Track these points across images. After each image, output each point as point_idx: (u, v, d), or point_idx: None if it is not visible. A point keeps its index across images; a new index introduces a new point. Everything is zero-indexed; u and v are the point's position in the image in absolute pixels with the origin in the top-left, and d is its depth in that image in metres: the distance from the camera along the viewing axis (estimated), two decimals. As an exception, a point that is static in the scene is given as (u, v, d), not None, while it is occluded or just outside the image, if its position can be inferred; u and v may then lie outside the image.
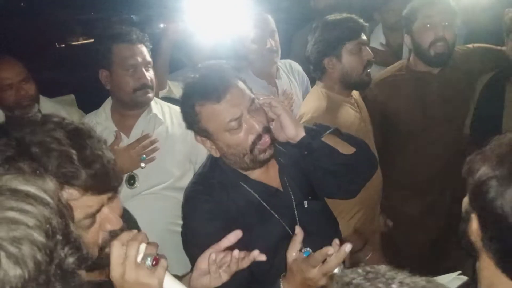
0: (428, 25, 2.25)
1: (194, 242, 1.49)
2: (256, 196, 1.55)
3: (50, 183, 0.76)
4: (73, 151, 0.95)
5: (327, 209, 1.74)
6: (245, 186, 1.56)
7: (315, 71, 2.14)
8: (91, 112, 2.22)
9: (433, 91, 2.36)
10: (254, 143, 1.49)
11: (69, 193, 0.95)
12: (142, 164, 1.99)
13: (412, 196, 2.47)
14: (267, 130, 1.51)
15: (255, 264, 1.31)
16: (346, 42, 2.05)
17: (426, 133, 2.36)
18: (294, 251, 1.33)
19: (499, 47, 2.32)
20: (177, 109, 2.17)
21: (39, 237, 0.65)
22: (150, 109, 2.09)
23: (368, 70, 2.12)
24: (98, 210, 1.02)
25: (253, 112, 1.48)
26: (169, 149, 2.05)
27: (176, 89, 2.63)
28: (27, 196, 0.69)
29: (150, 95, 2.04)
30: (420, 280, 0.65)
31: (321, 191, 1.69)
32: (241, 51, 2.47)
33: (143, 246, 1.02)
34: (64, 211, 0.74)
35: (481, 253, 0.96)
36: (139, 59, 1.99)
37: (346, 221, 2.11)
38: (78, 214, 0.96)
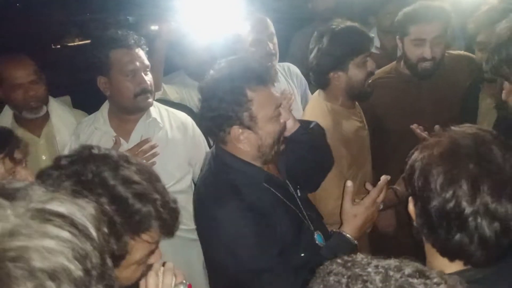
0: (418, 44, 2.24)
1: (256, 248, 1.45)
2: (274, 191, 1.56)
3: (97, 213, 0.70)
4: (158, 196, 1.02)
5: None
6: (264, 183, 1.55)
7: (318, 82, 2.11)
8: (88, 117, 2.20)
9: (420, 94, 2.37)
10: (281, 133, 1.54)
11: (150, 236, 1.02)
12: None
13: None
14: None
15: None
16: (355, 57, 2.02)
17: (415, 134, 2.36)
18: (349, 202, 1.57)
19: (472, 56, 2.32)
20: (175, 112, 2.17)
21: (77, 272, 0.59)
22: (149, 113, 2.08)
23: (370, 81, 2.10)
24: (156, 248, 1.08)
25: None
26: (170, 153, 2.04)
27: (171, 91, 2.61)
28: (71, 225, 0.62)
29: (151, 99, 2.03)
30: (394, 262, 0.70)
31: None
32: (240, 53, 2.45)
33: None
34: (105, 247, 0.69)
35: (424, 240, 1.10)
36: (138, 63, 1.97)
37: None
38: (141, 253, 1.03)
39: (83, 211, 0.66)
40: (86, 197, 0.84)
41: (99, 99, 2.14)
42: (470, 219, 0.97)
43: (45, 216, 0.61)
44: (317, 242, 1.62)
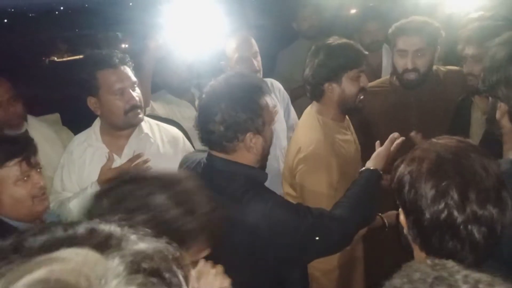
0: (402, 55, 2.38)
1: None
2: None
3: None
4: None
5: None
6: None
7: (313, 94, 2.17)
8: (80, 133, 2.22)
9: (408, 104, 2.47)
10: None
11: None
12: None
13: (395, 207, 2.54)
14: None
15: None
16: (349, 70, 2.10)
17: (404, 144, 2.44)
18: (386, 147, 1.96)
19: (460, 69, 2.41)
20: (166, 126, 2.22)
21: None
22: (140, 129, 2.11)
23: (361, 97, 2.16)
24: None
25: None
26: (162, 167, 2.03)
27: (158, 107, 2.66)
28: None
29: (141, 115, 2.06)
30: (486, 276, 0.70)
31: None
32: (226, 71, 2.53)
33: None
34: None
35: (412, 245, 1.16)
36: (125, 81, 2.00)
37: None
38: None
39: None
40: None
41: (88, 115, 2.16)
42: (462, 227, 1.04)
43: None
44: None
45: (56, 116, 2.90)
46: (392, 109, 2.49)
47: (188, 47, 2.43)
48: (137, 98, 2.02)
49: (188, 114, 2.63)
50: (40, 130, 2.48)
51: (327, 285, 2.10)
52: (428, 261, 0.75)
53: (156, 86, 2.75)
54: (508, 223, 1.06)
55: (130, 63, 2.08)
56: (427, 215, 1.07)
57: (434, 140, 1.19)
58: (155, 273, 0.52)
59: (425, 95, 2.44)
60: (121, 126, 2.06)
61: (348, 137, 2.23)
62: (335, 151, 2.09)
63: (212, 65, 2.46)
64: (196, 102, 2.87)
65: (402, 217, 1.17)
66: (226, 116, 1.54)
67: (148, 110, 2.55)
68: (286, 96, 2.79)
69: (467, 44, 2.17)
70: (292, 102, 2.88)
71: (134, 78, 2.05)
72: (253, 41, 2.50)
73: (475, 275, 0.70)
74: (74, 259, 0.50)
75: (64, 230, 0.55)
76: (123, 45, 5.82)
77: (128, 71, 2.04)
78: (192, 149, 2.20)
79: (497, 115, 1.51)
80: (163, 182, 1.07)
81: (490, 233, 1.05)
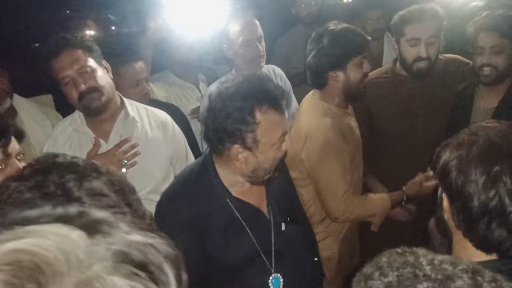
0: (414, 44, 2.32)
1: None
2: (236, 212, 1.52)
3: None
4: (127, 210, 0.92)
5: (306, 233, 1.78)
6: (228, 200, 1.52)
7: (317, 82, 2.13)
8: (65, 118, 2.14)
9: (416, 95, 2.44)
10: (280, 161, 1.52)
11: None
12: (124, 170, 1.92)
13: None
14: None
15: (222, 274, 1.44)
16: (353, 57, 2.06)
17: (410, 135, 2.43)
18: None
19: (468, 61, 2.40)
20: (154, 110, 2.13)
21: None
22: (127, 113, 2.02)
23: (364, 82, 2.14)
24: None
25: None
26: (150, 153, 2.00)
27: (157, 90, 2.61)
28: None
29: (103, 97, 1.90)
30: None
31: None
32: (229, 55, 2.48)
33: None
34: None
35: (453, 231, 1.14)
36: (71, 68, 1.85)
37: (336, 238, 2.18)
38: None
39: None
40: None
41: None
42: (511, 215, 1.03)
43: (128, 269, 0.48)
44: (270, 285, 1.53)
45: (48, 97, 2.83)
46: (398, 100, 2.45)
47: (189, 27, 2.36)
48: (83, 86, 1.87)
49: (192, 97, 2.58)
50: (29, 110, 2.44)
51: (330, 275, 2.09)
52: (398, 249, 0.74)
53: (160, 66, 2.70)
54: None
55: (88, 43, 1.93)
56: (475, 202, 1.04)
57: (482, 123, 1.15)
58: (143, 266, 0.48)
59: (430, 84, 2.42)
60: (86, 113, 1.96)
61: (352, 124, 2.21)
62: (344, 136, 2.07)
63: (214, 47, 2.39)
64: (201, 85, 2.83)
65: (445, 203, 1.14)
66: (218, 120, 1.43)
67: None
68: (288, 84, 2.74)
69: (485, 33, 2.11)
70: (291, 89, 2.83)
71: (84, 61, 1.89)
72: (258, 24, 2.43)
73: (440, 257, 0.71)
74: (56, 234, 0.46)
75: (53, 207, 0.52)
76: (116, 28, 5.70)
77: (76, 54, 1.88)
78: (181, 134, 2.14)
79: None
80: (83, 171, 0.94)
81: None
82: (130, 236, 0.51)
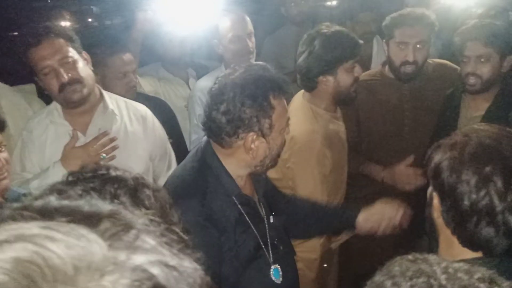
0: (402, 47, 2.32)
1: None
2: (240, 208, 1.50)
3: None
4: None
5: (285, 225, 1.77)
6: (233, 198, 1.49)
7: (306, 85, 2.11)
8: (42, 110, 2.07)
9: (404, 98, 2.45)
10: (283, 147, 1.54)
11: None
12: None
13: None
14: None
15: (227, 273, 1.41)
16: (344, 62, 2.05)
17: (397, 137, 2.44)
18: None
19: (456, 67, 2.41)
20: (134, 103, 2.08)
21: None
22: (106, 105, 1.96)
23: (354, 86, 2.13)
24: None
25: None
26: (129, 146, 1.94)
27: (145, 84, 2.56)
28: None
29: (85, 90, 1.84)
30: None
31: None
32: (219, 50, 2.46)
33: None
34: None
35: (441, 229, 1.18)
36: (52, 58, 1.79)
37: (317, 240, 2.13)
38: None
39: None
40: None
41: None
42: (500, 215, 1.05)
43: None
44: (272, 276, 1.54)
45: (31, 86, 2.75)
46: (386, 102, 2.46)
47: (182, 21, 2.33)
48: (65, 76, 1.81)
49: (181, 92, 2.55)
50: (12, 99, 2.35)
51: (312, 277, 2.08)
52: (410, 256, 0.74)
53: (151, 60, 2.66)
54: None
55: (68, 32, 1.87)
56: (466, 201, 1.07)
57: (475, 126, 1.19)
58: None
59: (418, 88, 2.43)
60: (65, 105, 1.90)
61: (339, 128, 2.21)
62: (328, 142, 2.06)
63: (207, 42, 2.36)
64: (190, 81, 2.79)
65: (436, 202, 1.17)
66: (231, 108, 1.39)
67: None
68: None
69: (472, 42, 2.10)
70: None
71: (66, 52, 1.82)
72: (249, 20, 2.42)
73: (455, 265, 0.70)
74: (74, 236, 0.41)
75: (89, 206, 0.46)
76: (104, 18, 5.60)
77: (57, 43, 1.82)
78: (162, 129, 2.09)
79: None
80: (135, 186, 0.99)
81: None
82: (154, 255, 0.44)
